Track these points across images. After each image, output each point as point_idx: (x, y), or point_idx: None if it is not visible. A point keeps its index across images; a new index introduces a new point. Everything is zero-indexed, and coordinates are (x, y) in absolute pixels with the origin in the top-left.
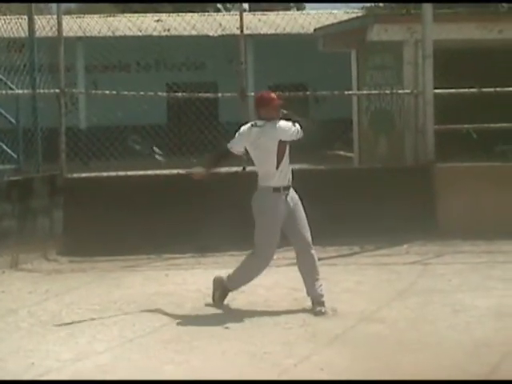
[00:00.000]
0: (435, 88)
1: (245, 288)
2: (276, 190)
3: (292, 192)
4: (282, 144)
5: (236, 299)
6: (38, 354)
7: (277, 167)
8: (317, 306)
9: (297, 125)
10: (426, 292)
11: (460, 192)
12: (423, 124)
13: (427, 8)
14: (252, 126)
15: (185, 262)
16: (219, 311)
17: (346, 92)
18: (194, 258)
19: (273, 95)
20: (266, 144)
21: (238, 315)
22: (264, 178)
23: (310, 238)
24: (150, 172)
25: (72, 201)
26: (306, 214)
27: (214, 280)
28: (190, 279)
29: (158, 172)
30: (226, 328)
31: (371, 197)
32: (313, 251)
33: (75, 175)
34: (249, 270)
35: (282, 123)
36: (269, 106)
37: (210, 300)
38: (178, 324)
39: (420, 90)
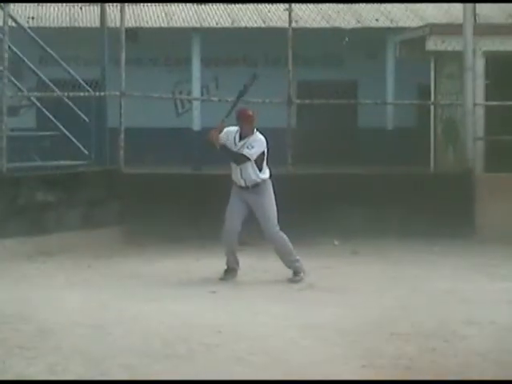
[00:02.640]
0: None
1: None
2: (269, 177)
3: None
4: None
5: None
6: None
7: (260, 169)
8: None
9: None
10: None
11: (500, 200)
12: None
13: (468, 20)
14: None
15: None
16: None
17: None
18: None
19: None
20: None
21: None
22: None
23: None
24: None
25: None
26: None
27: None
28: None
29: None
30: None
31: (408, 201)
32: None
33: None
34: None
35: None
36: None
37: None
38: None
39: (459, 101)
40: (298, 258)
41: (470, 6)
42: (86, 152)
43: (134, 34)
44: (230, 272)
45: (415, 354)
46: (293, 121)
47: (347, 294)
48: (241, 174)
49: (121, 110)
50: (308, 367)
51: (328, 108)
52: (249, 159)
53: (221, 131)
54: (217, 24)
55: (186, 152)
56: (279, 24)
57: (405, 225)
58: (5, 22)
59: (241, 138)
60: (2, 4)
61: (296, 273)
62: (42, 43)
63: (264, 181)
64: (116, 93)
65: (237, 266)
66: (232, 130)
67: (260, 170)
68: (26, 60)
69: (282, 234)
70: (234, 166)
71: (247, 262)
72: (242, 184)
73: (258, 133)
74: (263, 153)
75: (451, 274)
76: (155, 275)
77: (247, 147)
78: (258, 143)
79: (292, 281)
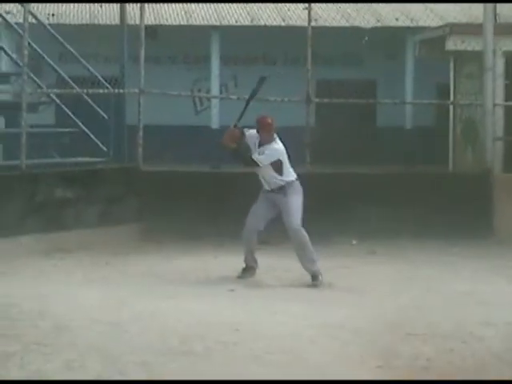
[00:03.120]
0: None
1: None
2: (297, 179)
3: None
4: None
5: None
6: None
7: (280, 174)
8: (312, 279)
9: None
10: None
11: None
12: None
13: (488, 20)
14: None
15: None
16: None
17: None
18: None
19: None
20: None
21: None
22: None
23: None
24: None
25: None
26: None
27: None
28: None
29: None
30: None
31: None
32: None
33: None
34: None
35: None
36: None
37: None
38: None
39: (479, 101)
40: (316, 259)
41: (490, 5)
42: (105, 149)
43: (154, 32)
44: (249, 271)
45: (432, 354)
46: (311, 119)
47: (365, 293)
48: (263, 179)
49: (139, 108)
50: (325, 367)
51: (347, 107)
52: (257, 164)
53: (234, 135)
54: (236, 22)
55: (204, 150)
56: (299, 23)
57: (422, 225)
58: (25, 19)
59: (260, 144)
60: None
61: (314, 277)
62: (61, 40)
63: (288, 183)
64: (135, 90)
65: (255, 264)
66: (255, 133)
67: (280, 174)
68: (45, 57)
69: (304, 232)
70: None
71: (267, 261)
72: (267, 187)
73: (277, 140)
74: (278, 160)
75: (469, 276)
76: (173, 273)
77: (258, 153)
78: (269, 151)
79: (312, 286)
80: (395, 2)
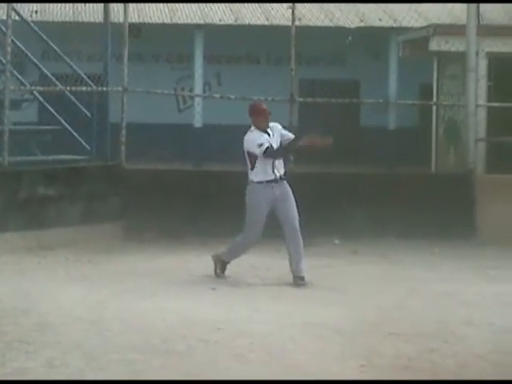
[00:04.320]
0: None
1: None
2: (259, 182)
3: (282, 184)
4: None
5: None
6: None
7: (251, 168)
8: (298, 279)
9: (263, 147)
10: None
11: (500, 202)
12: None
13: (472, 21)
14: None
15: None
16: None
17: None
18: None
19: (264, 106)
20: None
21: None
22: (250, 175)
23: (297, 225)
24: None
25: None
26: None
27: (212, 257)
28: None
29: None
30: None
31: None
32: (299, 235)
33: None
34: (240, 246)
35: (251, 137)
36: (259, 116)
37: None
38: None
39: (462, 102)
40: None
41: (473, 6)
42: (88, 147)
43: (138, 30)
44: (222, 265)
45: (414, 354)
46: (295, 119)
47: (347, 293)
48: (274, 164)
49: (123, 106)
50: (307, 366)
51: (330, 107)
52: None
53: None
54: (220, 21)
55: (186, 148)
56: (282, 22)
57: (405, 225)
58: (8, 16)
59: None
60: None
61: (302, 278)
62: (45, 37)
63: (250, 182)
64: (118, 88)
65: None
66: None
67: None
68: (28, 54)
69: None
70: (256, 164)
71: (249, 259)
72: (276, 174)
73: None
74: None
75: (450, 276)
76: (155, 271)
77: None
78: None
79: (300, 285)
80: (378, 2)
